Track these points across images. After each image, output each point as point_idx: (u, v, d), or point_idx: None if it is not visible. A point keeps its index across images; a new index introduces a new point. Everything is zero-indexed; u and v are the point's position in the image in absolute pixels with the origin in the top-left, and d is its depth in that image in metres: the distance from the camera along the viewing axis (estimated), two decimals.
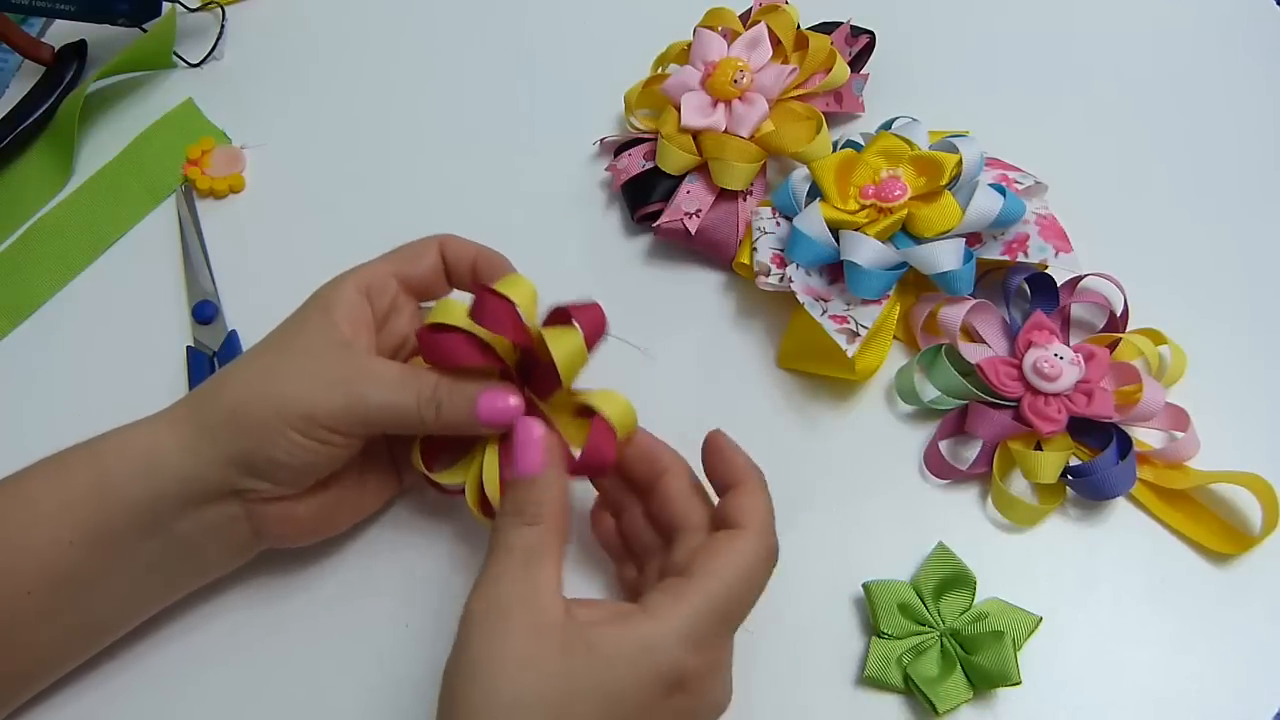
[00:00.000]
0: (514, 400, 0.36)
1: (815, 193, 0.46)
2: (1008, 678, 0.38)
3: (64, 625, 0.38)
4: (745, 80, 0.50)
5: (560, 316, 0.37)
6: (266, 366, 0.37)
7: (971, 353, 0.45)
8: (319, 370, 0.36)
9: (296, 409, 0.35)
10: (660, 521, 0.38)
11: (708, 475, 0.37)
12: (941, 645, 0.40)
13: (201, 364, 0.49)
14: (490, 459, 0.38)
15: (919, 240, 0.44)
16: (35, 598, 0.36)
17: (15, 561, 0.36)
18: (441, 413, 0.36)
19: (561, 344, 0.35)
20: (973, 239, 0.45)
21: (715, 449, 0.36)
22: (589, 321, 0.36)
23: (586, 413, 0.37)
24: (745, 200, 0.50)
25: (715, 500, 0.37)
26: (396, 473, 0.43)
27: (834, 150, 0.47)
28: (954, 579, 0.41)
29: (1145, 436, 0.44)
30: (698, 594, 0.32)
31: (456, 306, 0.37)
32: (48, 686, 0.40)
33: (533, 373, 0.38)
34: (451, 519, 0.44)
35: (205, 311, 0.50)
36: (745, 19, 0.53)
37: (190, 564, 0.39)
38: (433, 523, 0.44)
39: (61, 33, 0.63)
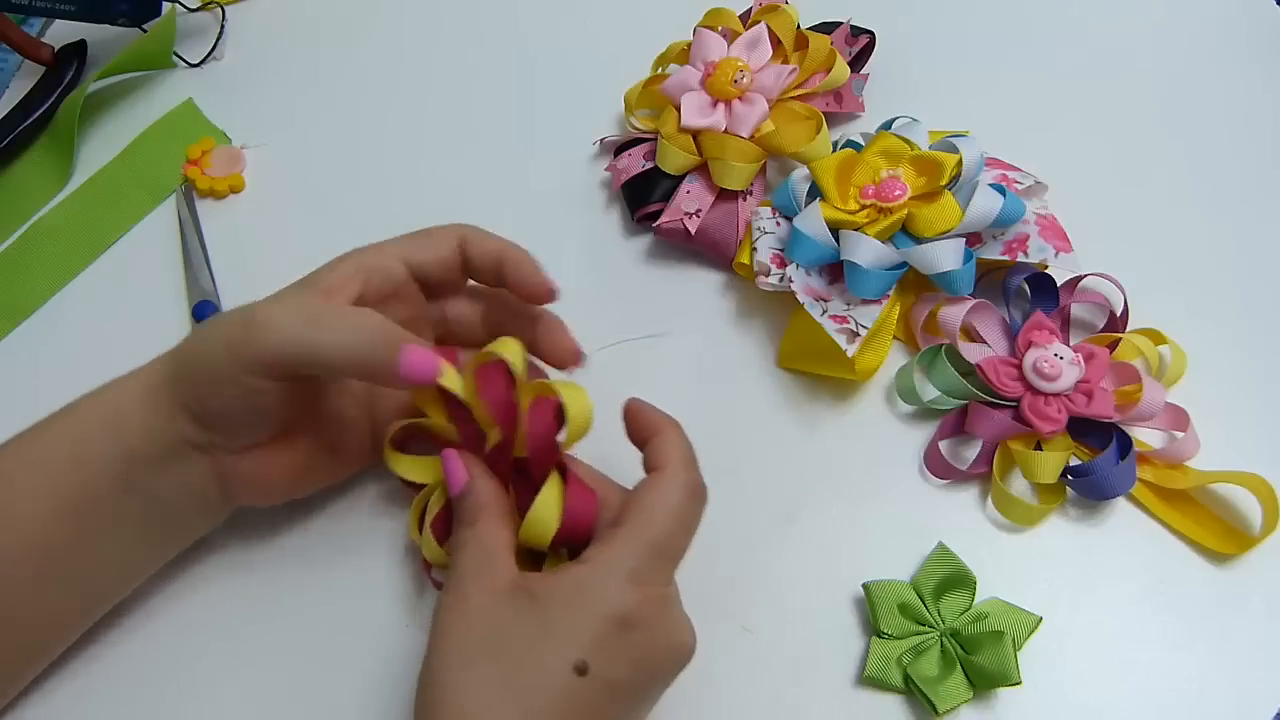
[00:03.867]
0: (438, 364, 0.36)
1: (815, 193, 0.46)
2: (1008, 678, 0.38)
3: (56, 595, 0.38)
4: (745, 80, 0.50)
5: (563, 472, 0.37)
6: (226, 318, 0.37)
7: (971, 353, 0.45)
8: (268, 317, 0.36)
9: (237, 349, 0.35)
10: None
11: (630, 436, 0.38)
12: (941, 645, 0.40)
13: None
14: (434, 505, 0.39)
15: (919, 240, 0.44)
16: (23, 568, 0.36)
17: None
18: (367, 357, 0.36)
19: (540, 513, 0.36)
20: (973, 239, 0.45)
21: (633, 412, 0.38)
22: (575, 513, 0.36)
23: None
24: (745, 200, 0.50)
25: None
26: (372, 441, 0.42)
27: (834, 150, 0.47)
28: (954, 579, 0.41)
29: (1145, 436, 0.44)
30: (628, 534, 0.34)
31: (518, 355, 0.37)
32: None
33: (521, 476, 0.38)
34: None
35: (205, 311, 0.50)
36: (745, 19, 0.53)
37: (167, 523, 0.40)
38: None
39: (61, 33, 0.63)
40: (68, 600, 0.39)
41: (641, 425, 0.37)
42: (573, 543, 0.36)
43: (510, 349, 0.37)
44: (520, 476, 0.38)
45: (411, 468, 0.40)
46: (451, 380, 0.37)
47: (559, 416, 0.36)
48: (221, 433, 0.37)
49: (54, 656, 0.40)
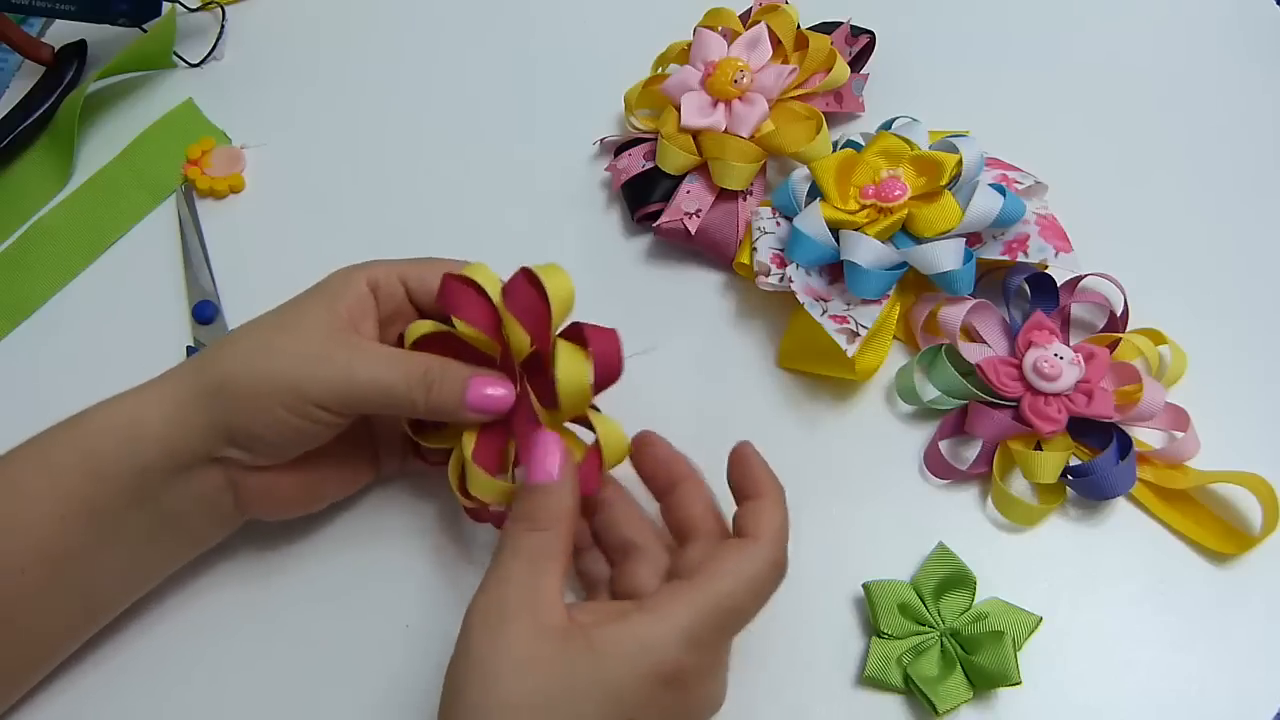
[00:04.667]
0: (504, 390, 0.36)
1: (815, 193, 0.46)
2: (1008, 678, 0.38)
3: (63, 603, 0.38)
4: (745, 80, 0.50)
5: (575, 335, 0.36)
6: (261, 342, 0.37)
7: (971, 353, 0.45)
8: (313, 349, 0.36)
9: (286, 385, 0.36)
10: (674, 525, 0.38)
11: (730, 481, 0.37)
12: (941, 645, 0.40)
13: None
14: (468, 442, 0.37)
15: (919, 240, 0.44)
16: (31, 575, 0.36)
17: (7, 541, 0.36)
18: (430, 395, 0.36)
19: (569, 370, 0.35)
20: (973, 239, 0.45)
21: (741, 458, 0.36)
22: (603, 354, 0.35)
23: (580, 421, 0.37)
24: (745, 200, 0.50)
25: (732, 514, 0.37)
26: (377, 456, 0.43)
27: (834, 150, 0.47)
28: (954, 579, 0.41)
29: (1145, 436, 0.44)
30: (700, 595, 0.32)
31: (491, 275, 0.37)
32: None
33: (536, 377, 0.37)
34: (452, 519, 0.44)
35: (205, 311, 0.50)
36: (745, 19, 0.53)
37: (179, 534, 0.39)
38: (433, 524, 0.44)
39: (61, 33, 0.63)
40: (74, 607, 0.38)
41: (746, 477, 0.36)
42: (611, 383, 0.36)
43: (476, 269, 0.37)
44: (539, 377, 0.36)
45: (435, 437, 0.40)
46: (426, 326, 0.37)
47: (539, 290, 0.35)
48: (250, 452, 0.37)
49: (57, 662, 0.40)
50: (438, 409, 0.36)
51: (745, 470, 0.36)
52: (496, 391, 0.36)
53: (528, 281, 0.36)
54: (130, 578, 0.40)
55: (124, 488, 0.37)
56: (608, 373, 0.35)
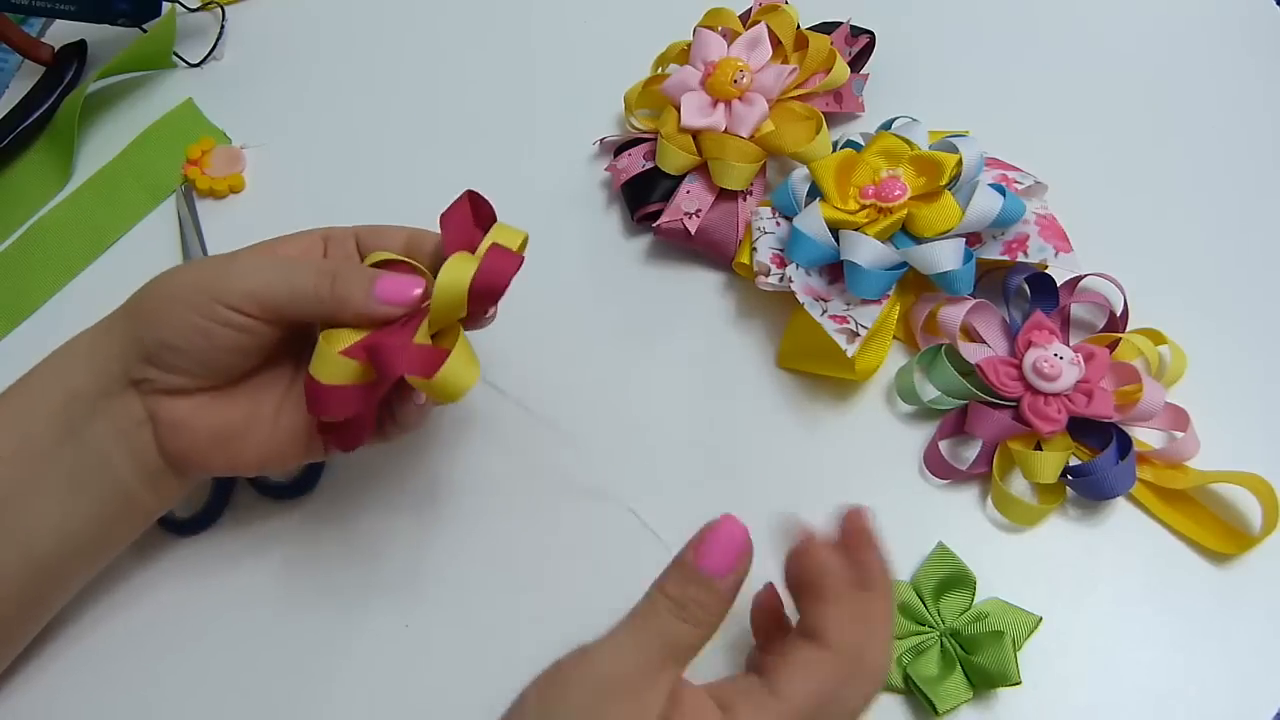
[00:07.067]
0: (417, 290, 0.36)
1: (815, 193, 0.46)
2: (1008, 678, 0.38)
3: (2, 553, 0.37)
4: (745, 80, 0.50)
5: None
6: (184, 265, 0.40)
7: (971, 353, 0.45)
8: (228, 259, 0.38)
9: (194, 287, 0.37)
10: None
11: (845, 543, 0.34)
12: (941, 645, 0.40)
13: None
14: (346, 337, 0.36)
15: (919, 240, 0.44)
16: None
17: None
18: (336, 286, 0.36)
19: (451, 269, 0.35)
20: (973, 239, 0.45)
21: (865, 540, 0.34)
22: (493, 263, 0.35)
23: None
24: (745, 200, 0.50)
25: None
26: (319, 435, 0.40)
27: (834, 150, 0.47)
28: (954, 579, 0.41)
29: (1145, 436, 0.44)
30: (777, 711, 0.31)
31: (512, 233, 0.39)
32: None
33: None
34: (454, 519, 0.44)
35: None
36: (745, 19, 0.53)
37: (105, 481, 0.38)
38: (434, 523, 0.44)
39: (61, 33, 0.63)
40: (12, 557, 0.37)
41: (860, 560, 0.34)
42: (491, 296, 0.36)
43: (502, 229, 0.38)
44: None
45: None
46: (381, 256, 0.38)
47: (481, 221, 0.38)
48: (166, 368, 0.37)
49: (7, 652, 0.40)
50: (343, 298, 0.36)
51: (862, 550, 0.34)
52: (409, 283, 0.36)
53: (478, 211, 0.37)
54: (62, 532, 0.38)
55: (52, 417, 0.37)
56: (491, 281, 0.35)
